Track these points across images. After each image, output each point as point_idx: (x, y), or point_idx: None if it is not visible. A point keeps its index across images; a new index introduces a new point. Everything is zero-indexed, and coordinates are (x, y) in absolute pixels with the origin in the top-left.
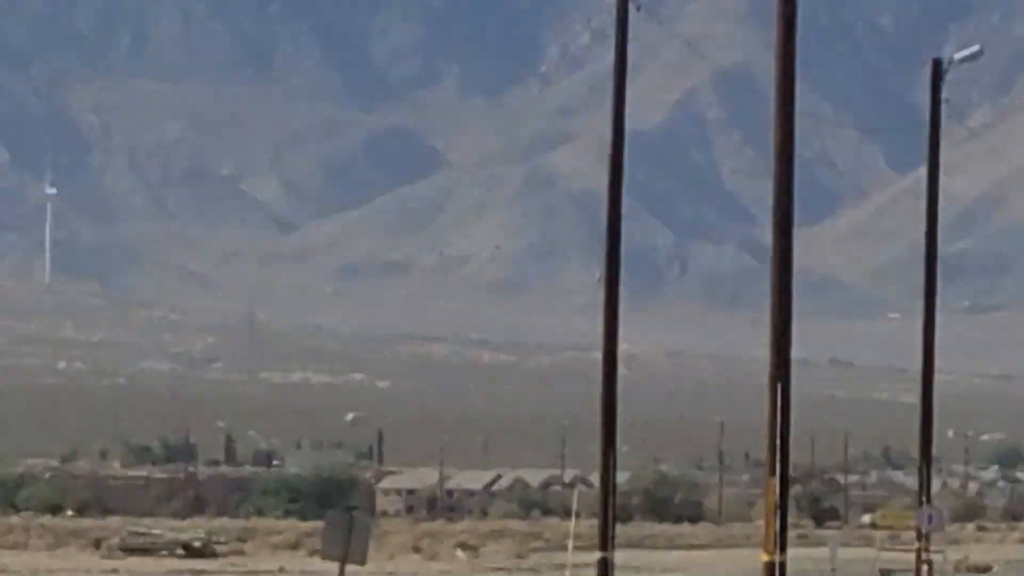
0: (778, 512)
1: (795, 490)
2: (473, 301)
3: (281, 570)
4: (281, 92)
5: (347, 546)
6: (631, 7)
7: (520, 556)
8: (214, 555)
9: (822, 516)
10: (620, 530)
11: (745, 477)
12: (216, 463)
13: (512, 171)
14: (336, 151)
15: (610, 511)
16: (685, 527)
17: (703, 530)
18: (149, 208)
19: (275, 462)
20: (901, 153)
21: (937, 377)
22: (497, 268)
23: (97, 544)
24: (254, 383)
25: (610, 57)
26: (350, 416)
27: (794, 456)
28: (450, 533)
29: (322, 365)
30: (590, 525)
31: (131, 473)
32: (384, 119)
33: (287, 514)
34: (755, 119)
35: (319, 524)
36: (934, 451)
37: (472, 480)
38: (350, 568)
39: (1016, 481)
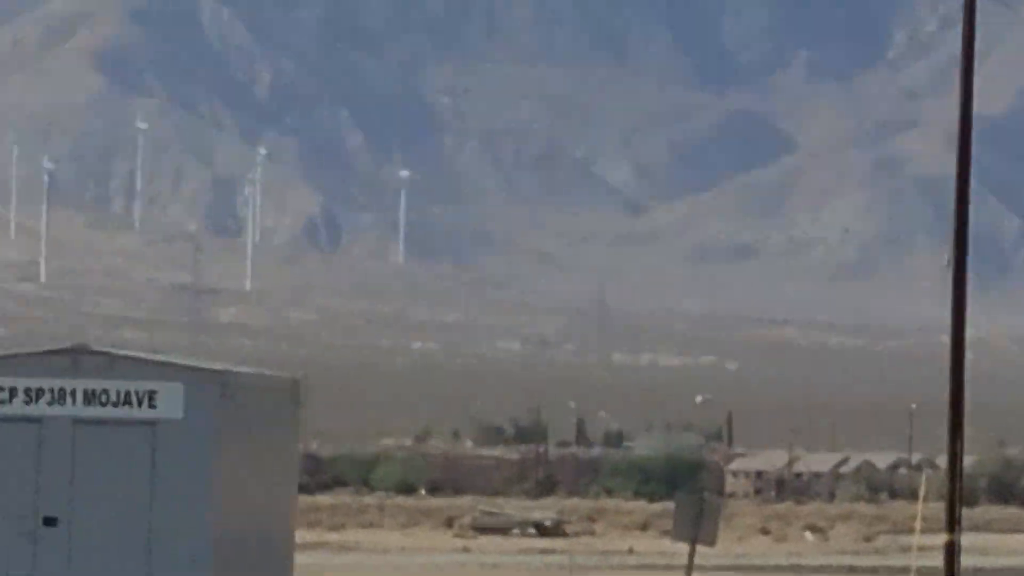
0: None
1: None
2: (821, 285)
3: (631, 550)
4: (632, 75)
5: (697, 527)
6: None
7: (867, 539)
8: (564, 535)
9: None
10: (966, 513)
11: None
12: (567, 444)
13: (860, 155)
14: (686, 134)
15: (957, 494)
16: None
17: None
18: (501, 190)
19: (625, 443)
20: None
21: None
22: (845, 252)
23: (449, 523)
24: (605, 365)
25: (957, 43)
26: (699, 398)
27: None
28: (798, 515)
29: (672, 347)
30: (937, 508)
31: (483, 453)
32: (734, 103)
33: (636, 495)
34: None
35: (668, 505)
36: None
37: (820, 462)
38: (700, 549)
39: None
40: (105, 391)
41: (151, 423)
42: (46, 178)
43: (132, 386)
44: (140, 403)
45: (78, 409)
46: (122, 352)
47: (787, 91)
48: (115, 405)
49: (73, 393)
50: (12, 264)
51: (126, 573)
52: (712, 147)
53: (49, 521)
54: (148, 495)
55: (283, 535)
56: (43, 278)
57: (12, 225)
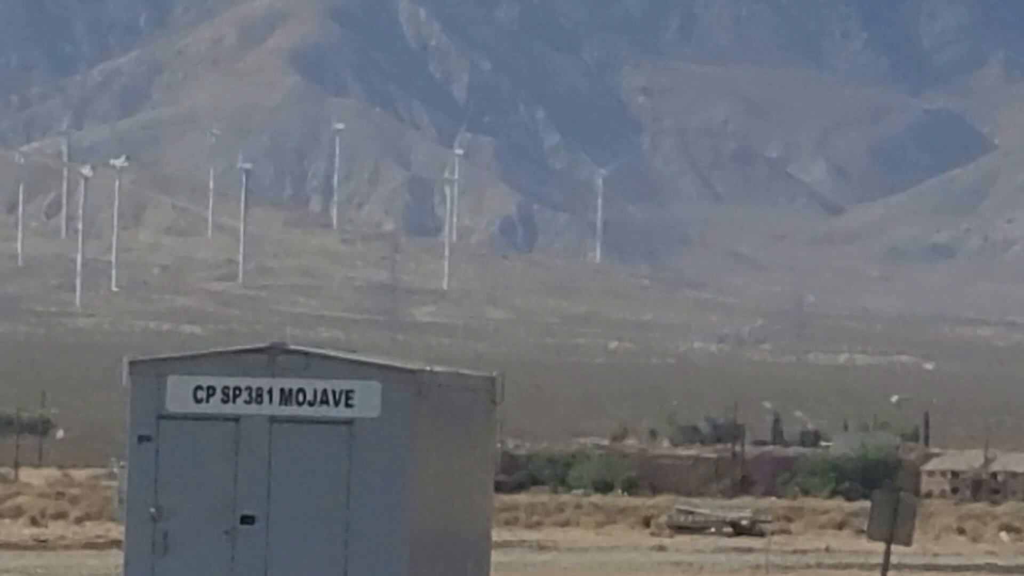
0: None
1: None
2: (1017, 284)
3: (827, 549)
4: (828, 75)
5: (893, 526)
6: None
7: None
8: (761, 534)
9: None
10: None
11: None
12: (763, 443)
13: None
14: (882, 134)
15: None
16: None
17: None
18: (697, 190)
19: (822, 442)
20: None
21: None
22: None
23: (645, 522)
24: (801, 364)
25: None
26: (895, 398)
27: None
28: (994, 515)
29: (868, 347)
30: None
31: (679, 452)
32: (930, 103)
33: (833, 494)
34: None
35: (865, 504)
36: None
37: (1016, 462)
38: (896, 548)
39: None
40: (302, 390)
41: (348, 422)
42: (244, 177)
43: (329, 385)
44: (337, 402)
45: (275, 408)
46: (319, 351)
47: (984, 91)
48: (312, 404)
49: (270, 392)
50: (210, 263)
51: (322, 570)
52: (909, 147)
53: (247, 519)
54: (344, 494)
55: (480, 533)
56: (241, 277)
57: (210, 224)
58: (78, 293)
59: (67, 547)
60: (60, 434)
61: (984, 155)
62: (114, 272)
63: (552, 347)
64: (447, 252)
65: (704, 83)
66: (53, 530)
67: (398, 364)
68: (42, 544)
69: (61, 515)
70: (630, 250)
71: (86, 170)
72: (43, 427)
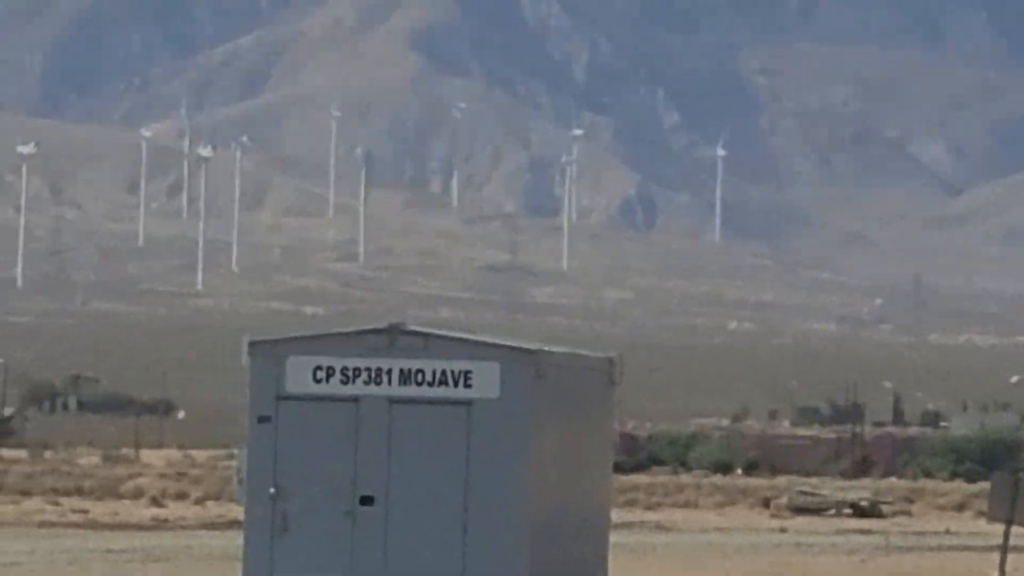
0: None
1: None
2: None
3: (947, 531)
4: (946, 55)
5: (1013, 508)
6: None
7: None
8: (881, 515)
9: None
10: None
11: None
12: (883, 424)
13: None
14: (1002, 114)
15: None
16: None
17: None
18: (816, 170)
19: (942, 423)
20: None
21: None
22: None
23: (765, 503)
24: (920, 345)
25: None
26: (1015, 378)
27: None
28: None
29: (987, 327)
30: None
31: (799, 433)
32: None
33: (953, 476)
34: None
35: (985, 486)
36: None
37: None
38: (1016, 530)
39: None
40: (421, 371)
41: (466, 403)
42: (364, 159)
43: (448, 366)
44: (456, 383)
45: (394, 388)
46: (437, 331)
47: None
48: (431, 385)
49: (389, 372)
50: (331, 244)
51: (441, 551)
52: None
53: (366, 500)
54: (463, 474)
55: (599, 514)
56: (361, 258)
57: (331, 205)
58: (199, 274)
59: (187, 527)
60: (181, 415)
61: None
62: (235, 252)
63: (671, 327)
64: (566, 233)
65: (823, 63)
66: (173, 510)
67: (517, 344)
68: (162, 524)
69: (182, 495)
70: (749, 230)
71: (207, 151)
72: (164, 408)
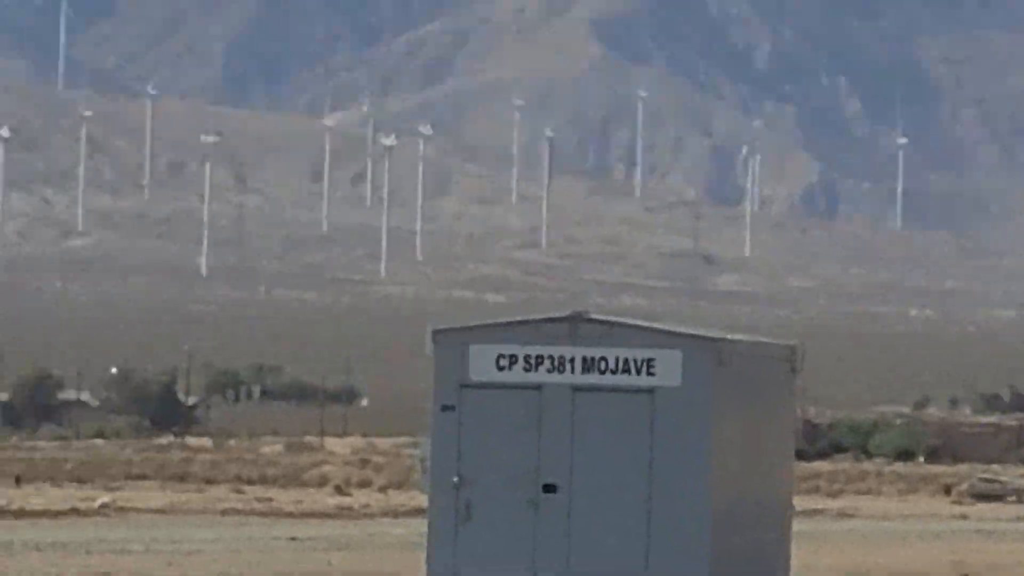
0: None
1: None
2: None
3: None
4: None
5: None
6: None
7: None
8: None
9: None
10: None
11: None
12: None
13: None
14: None
15: None
16: None
17: None
18: (998, 158)
19: None
20: None
21: None
22: None
23: (947, 490)
24: None
25: None
26: None
27: None
28: None
29: None
30: None
31: (981, 420)
32: None
33: None
34: None
35: None
36: None
37: None
38: None
39: None
40: (604, 358)
41: (649, 391)
42: (548, 146)
43: (630, 353)
44: (638, 370)
45: (577, 376)
46: (620, 319)
47: None
48: (613, 372)
49: (572, 360)
50: (514, 232)
51: (624, 540)
52: None
53: (549, 488)
54: (646, 462)
55: (781, 501)
56: (544, 245)
57: (515, 193)
58: (383, 262)
59: (371, 515)
60: (364, 402)
61: None
62: (418, 240)
63: (853, 315)
64: (748, 220)
65: (1006, 51)
66: (357, 498)
67: (699, 332)
68: (346, 512)
69: (365, 483)
70: (930, 218)
71: (390, 140)
72: (348, 396)
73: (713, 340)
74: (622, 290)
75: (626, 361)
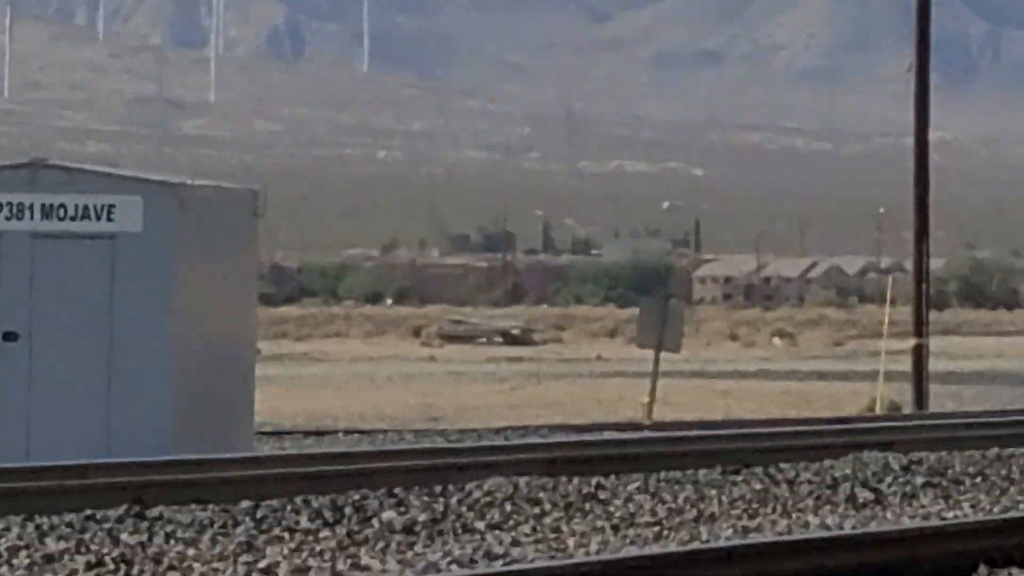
0: None
1: None
2: (786, 89)
3: (599, 357)
4: None
5: (661, 334)
6: None
7: (837, 343)
8: (532, 343)
9: None
10: (936, 317)
11: None
12: (534, 252)
13: None
14: None
15: (924, 298)
16: (1002, 314)
17: (1020, 317)
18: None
19: (593, 250)
20: None
21: None
22: (810, 56)
23: (416, 332)
24: (571, 172)
25: None
26: (666, 204)
27: None
28: (766, 320)
29: (638, 153)
30: (907, 312)
31: (450, 262)
32: None
33: (605, 302)
34: None
35: (635, 312)
36: None
37: (788, 267)
38: (667, 355)
39: None
40: (63, 205)
41: (110, 236)
42: None
43: (91, 200)
44: (99, 216)
45: (37, 223)
46: (81, 166)
47: None
48: (73, 219)
49: (31, 207)
50: None
51: (87, 386)
52: None
53: (9, 336)
54: (107, 308)
55: (244, 345)
56: (6, 92)
57: None
58: None
59: None
60: None
61: None
62: None
63: (320, 158)
64: (213, 64)
65: None
66: None
67: (160, 178)
68: None
69: None
70: (398, 60)
71: None
72: None
73: (173, 185)
74: (87, 136)
75: (86, 208)
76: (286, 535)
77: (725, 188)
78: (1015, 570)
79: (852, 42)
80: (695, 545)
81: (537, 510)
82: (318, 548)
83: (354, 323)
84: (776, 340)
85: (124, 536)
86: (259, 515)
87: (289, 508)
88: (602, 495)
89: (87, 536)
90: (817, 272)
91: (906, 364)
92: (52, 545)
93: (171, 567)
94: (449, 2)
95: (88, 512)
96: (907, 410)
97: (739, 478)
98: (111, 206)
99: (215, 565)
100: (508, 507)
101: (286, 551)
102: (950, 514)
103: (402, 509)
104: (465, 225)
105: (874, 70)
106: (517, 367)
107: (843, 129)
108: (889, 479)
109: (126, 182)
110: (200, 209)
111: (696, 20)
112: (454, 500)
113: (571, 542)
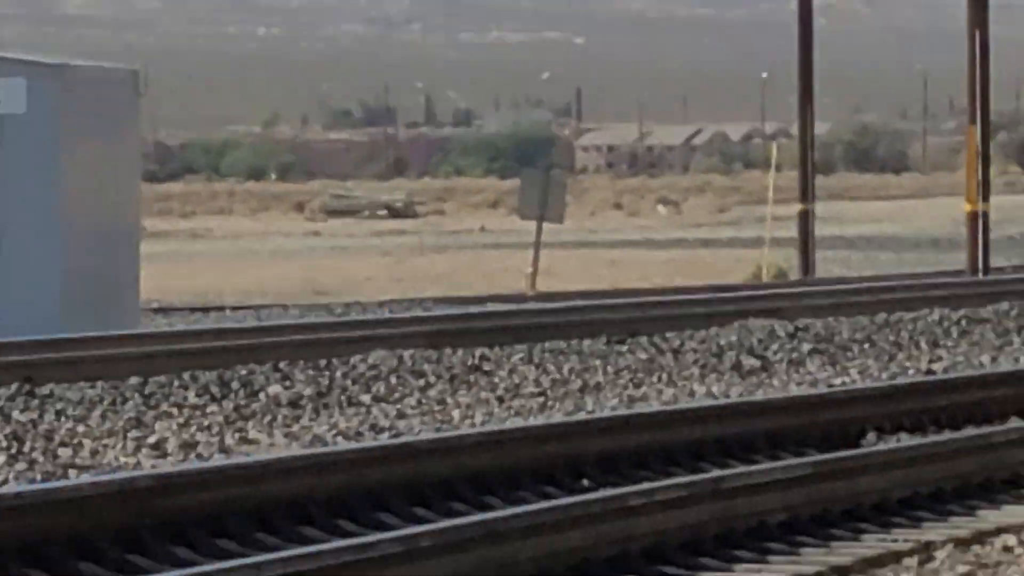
0: (979, 161)
1: (1001, 137)
2: None
3: (482, 229)
4: None
5: (543, 205)
6: None
7: (721, 210)
8: (415, 215)
9: None
10: (822, 182)
11: (950, 125)
12: (416, 124)
13: None
14: None
15: (809, 163)
16: (889, 177)
17: (908, 180)
18: None
19: (475, 122)
20: None
21: None
22: None
23: (300, 207)
24: (451, 44)
25: None
26: (546, 74)
27: (1000, 103)
28: (651, 188)
29: (517, 24)
30: (793, 178)
31: (332, 136)
32: None
33: (487, 173)
34: None
35: (517, 183)
36: None
37: (672, 135)
38: (549, 226)
39: None
40: None
41: None
42: None
43: None
44: None
45: None
46: None
47: None
48: None
49: None
50: None
51: None
52: None
53: None
54: None
55: (129, 222)
56: None
57: None
58: None
59: None
60: None
61: None
62: None
63: (201, 36)
64: None
65: None
66: None
67: (43, 60)
68: None
69: None
70: None
71: None
72: None
73: (57, 67)
74: None
75: None
76: (174, 410)
77: (607, 57)
78: (904, 435)
79: None
80: (580, 415)
81: (422, 382)
82: (206, 423)
83: (238, 199)
84: (661, 208)
85: (15, 414)
86: (147, 391)
87: (177, 384)
88: (486, 367)
89: None
90: (701, 139)
91: (792, 230)
92: None
93: (62, 443)
94: None
95: None
96: (793, 277)
97: (624, 348)
98: None
99: (105, 441)
100: (393, 380)
101: (174, 426)
102: (838, 381)
103: (288, 383)
104: (347, 100)
105: None
106: (400, 240)
107: None
108: (775, 346)
109: (9, 64)
110: (82, 89)
111: None
112: (339, 374)
113: (456, 414)
